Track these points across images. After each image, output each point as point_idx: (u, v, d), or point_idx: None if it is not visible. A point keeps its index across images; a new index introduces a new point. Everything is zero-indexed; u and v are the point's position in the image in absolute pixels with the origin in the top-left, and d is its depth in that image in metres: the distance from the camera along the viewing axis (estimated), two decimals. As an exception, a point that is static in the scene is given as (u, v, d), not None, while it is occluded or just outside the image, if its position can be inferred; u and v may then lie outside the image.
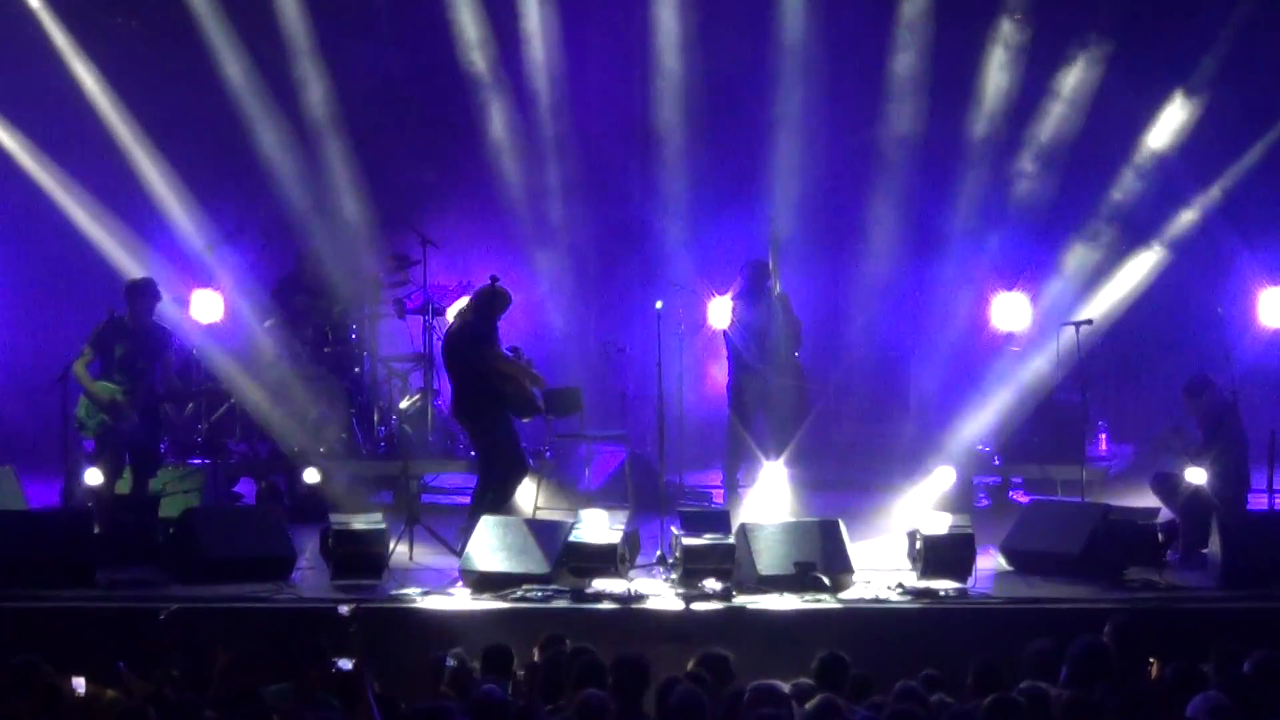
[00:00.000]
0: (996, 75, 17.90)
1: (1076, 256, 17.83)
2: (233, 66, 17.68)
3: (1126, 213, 17.96)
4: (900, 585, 12.87)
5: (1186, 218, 17.82)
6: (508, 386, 14.10)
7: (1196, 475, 14.16)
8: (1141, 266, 17.77)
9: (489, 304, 14.17)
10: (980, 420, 16.55)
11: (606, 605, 12.47)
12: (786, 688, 9.35)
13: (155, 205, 17.95)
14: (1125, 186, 17.93)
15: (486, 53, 18.05)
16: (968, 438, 16.45)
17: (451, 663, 9.98)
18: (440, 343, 14.85)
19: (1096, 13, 17.85)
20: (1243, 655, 9.74)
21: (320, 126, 17.88)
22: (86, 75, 17.85)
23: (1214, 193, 17.81)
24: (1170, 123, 17.83)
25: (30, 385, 17.08)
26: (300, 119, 17.91)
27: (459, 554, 13.45)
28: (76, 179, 17.91)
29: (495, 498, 14.08)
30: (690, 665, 9.87)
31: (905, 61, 17.90)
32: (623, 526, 13.25)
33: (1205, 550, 13.69)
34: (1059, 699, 9.13)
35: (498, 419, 14.14)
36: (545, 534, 13.27)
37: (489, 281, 14.21)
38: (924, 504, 15.20)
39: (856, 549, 13.42)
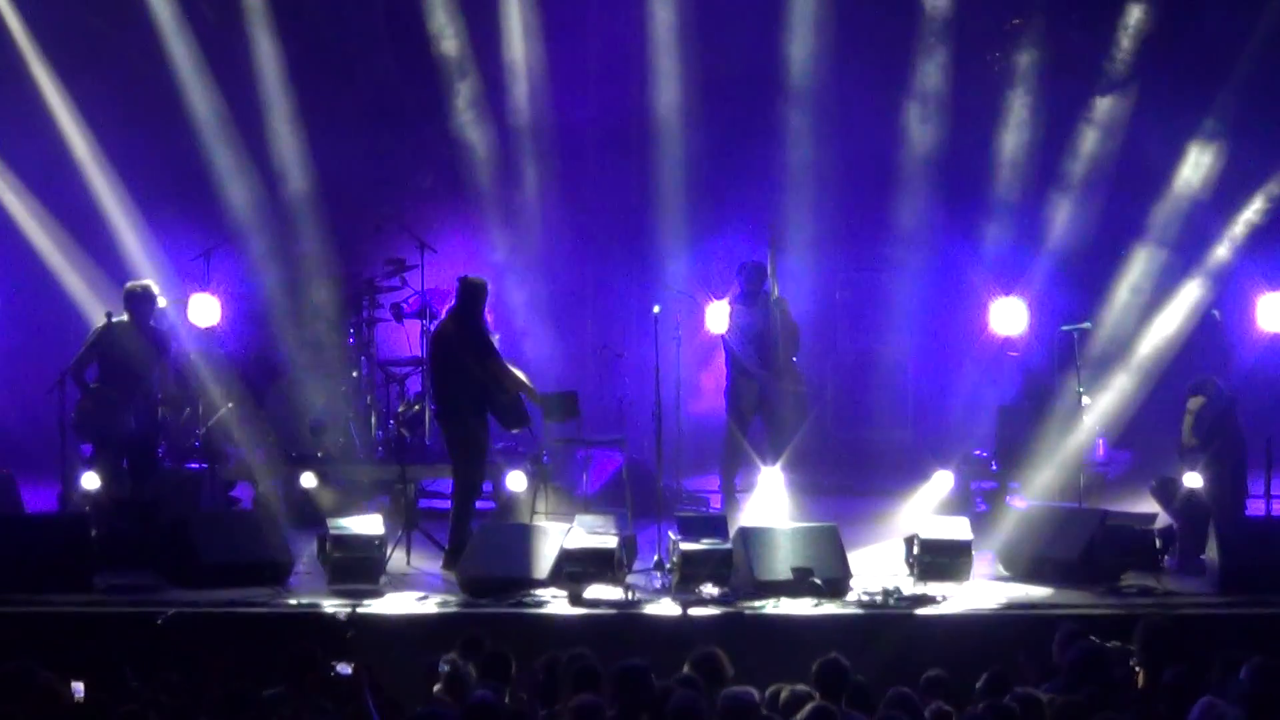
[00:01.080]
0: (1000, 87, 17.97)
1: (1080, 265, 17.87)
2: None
3: (1127, 221, 17.99)
4: (897, 590, 12.87)
5: (1220, 252, 17.77)
6: (502, 396, 14.08)
7: (1194, 480, 14.15)
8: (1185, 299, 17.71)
9: (475, 301, 14.07)
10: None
11: (603, 610, 12.47)
12: (758, 694, 9.35)
13: (152, 209, 17.96)
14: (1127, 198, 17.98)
15: (480, 56, 18.06)
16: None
17: (445, 667, 9.96)
18: (430, 342, 14.69)
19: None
20: (1241, 661, 9.73)
21: (314, 129, 17.91)
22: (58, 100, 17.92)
23: (1236, 230, 17.77)
24: (1190, 159, 17.86)
25: (28, 389, 17.07)
26: (293, 120, 17.95)
27: (455, 559, 13.48)
28: (71, 186, 17.97)
29: (474, 497, 14.17)
30: (685, 669, 9.85)
31: (912, 70, 17.94)
32: (620, 531, 13.25)
33: (1203, 556, 13.68)
34: (1052, 704, 9.14)
35: (481, 426, 14.14)
36: (542, 539, 13.27)
37: (459, 282, 14.14)
38: (922, 509, 15.20)
39: (854, 554, 13.42)
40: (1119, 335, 17.38)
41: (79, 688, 9.53)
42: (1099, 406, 16.50)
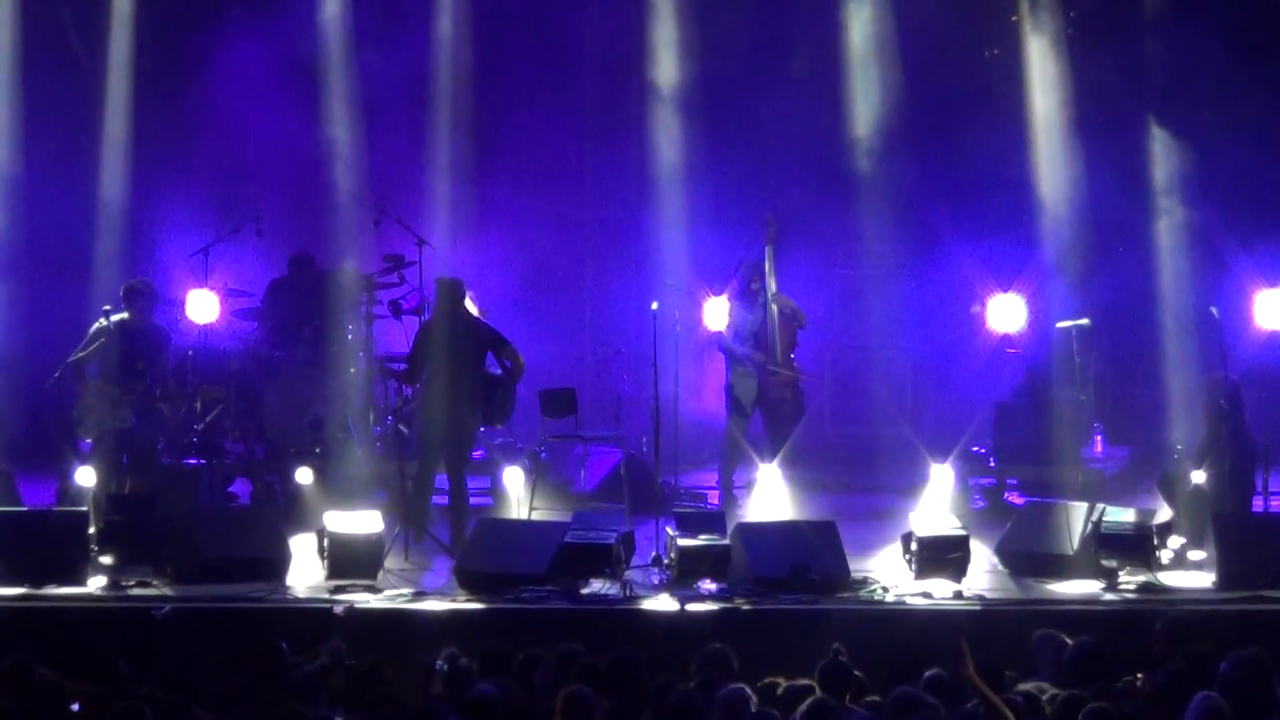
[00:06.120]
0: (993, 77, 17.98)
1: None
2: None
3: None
4: (896, 587, 12.87)
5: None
6: (499, 389, 14.21)
7: (1198, 476, 14.16)
8: None
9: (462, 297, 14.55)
10: None
11: (601, 606, 12.47)
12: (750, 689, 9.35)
13: (151, 206, 17.96)
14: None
15: (482, 51, 18.07)
16: None
17: (441, 665, 9.97)
18: (440, 340, 14.71)
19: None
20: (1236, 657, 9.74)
21: (315, 125, 17.93)
22: None
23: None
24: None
25: (27, 385, 17.06)
26: (296, 117, 17.95)
27: (453, 554, 13.49)
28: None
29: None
30: (693, 666, 9.84)
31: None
32: (618, 528, 13.25)
33: (1203, 551, 13.68)
34: (1052, 700, 9.14)
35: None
36: (541, 535, 13.28)
37: (449, 284, 14.41)
38: (920, 506, 15.21)
39: (852, 550, 13.42)
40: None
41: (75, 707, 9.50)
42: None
